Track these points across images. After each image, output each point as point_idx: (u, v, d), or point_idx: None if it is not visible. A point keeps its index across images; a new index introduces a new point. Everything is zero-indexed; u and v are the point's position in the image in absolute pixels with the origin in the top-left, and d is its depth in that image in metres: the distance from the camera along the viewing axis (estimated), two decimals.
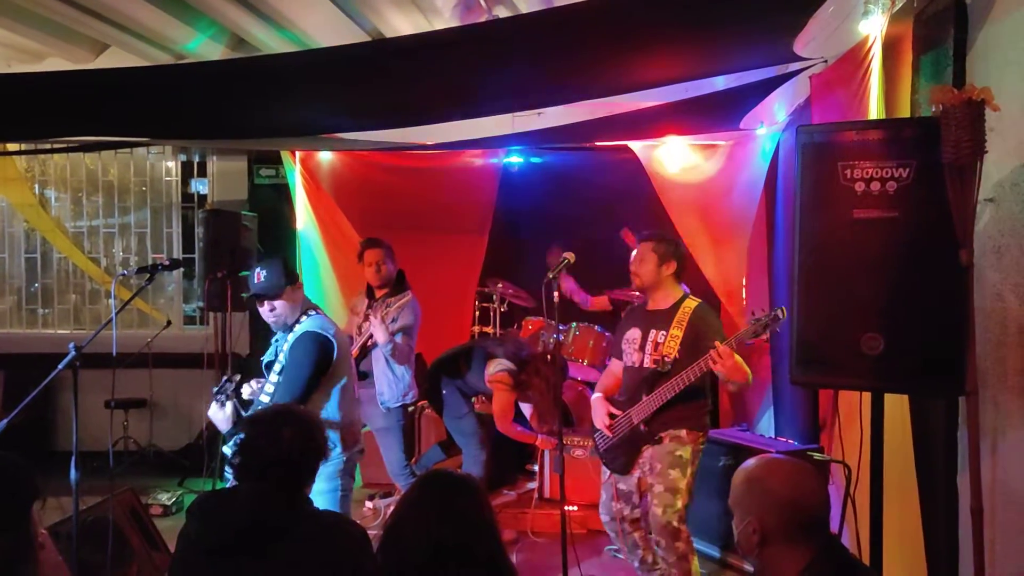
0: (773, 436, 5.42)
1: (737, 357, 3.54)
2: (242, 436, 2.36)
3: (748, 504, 1.99)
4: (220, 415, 3.47)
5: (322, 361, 3.53)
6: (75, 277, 7.97)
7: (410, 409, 5.37)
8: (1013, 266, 2.78)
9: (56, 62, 6.22)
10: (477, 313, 6.64)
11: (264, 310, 3.63)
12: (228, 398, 3.46)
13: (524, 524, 5.32)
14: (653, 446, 3.82)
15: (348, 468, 3.64)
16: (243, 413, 3.50)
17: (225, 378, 3.51)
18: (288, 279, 3.59)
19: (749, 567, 4.54)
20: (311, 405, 3.51)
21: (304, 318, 3.62)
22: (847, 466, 3.56)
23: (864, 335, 2.71)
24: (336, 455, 3.56)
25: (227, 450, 3.56)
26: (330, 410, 3.60)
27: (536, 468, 5.82)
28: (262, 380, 3.67)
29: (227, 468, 3.50)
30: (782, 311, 3.41)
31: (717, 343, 3.53)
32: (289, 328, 3.64)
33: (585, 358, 5.96)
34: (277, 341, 3.74)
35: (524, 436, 5.32)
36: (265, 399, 3.58)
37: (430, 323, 5.68)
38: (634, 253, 4.03)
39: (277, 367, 3.60)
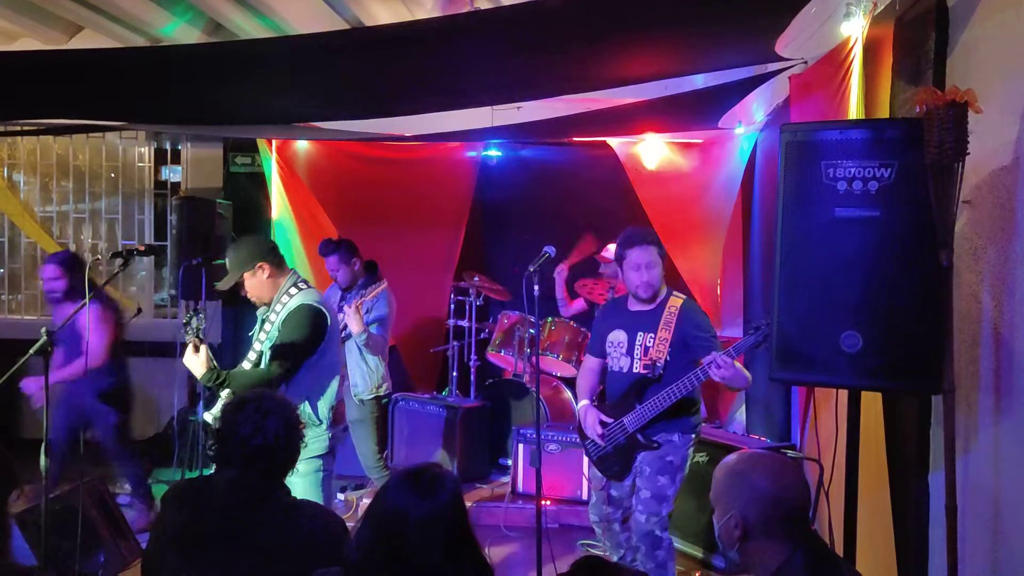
0: (745, 433, 5.47)
1: (737, 364, 3.47)
2: (222, 421, 2.33)
3: (731, 499, 2.00)
4: (195, 360, 3.39)
5: (317, 334, 3.51)
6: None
7: (384, 401, 5.34)
8: (989, 268, 2.82)
9: (29, 42, 6.11)
10: (453, 306, 6.61)
11: (243, 292, 3.64)
12: (201, 340, 3.38)
13: (497, 518, 5.32)
14: (645, 450, 3.76)
15: (332, 446, 3.62)
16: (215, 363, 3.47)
17: (190, 314, 3.44)
18: (249, 264, 3.56)
19: (720, 563, 4.60)
20: (302, 380, 3.49)
21: (294, 291, 3.58)
22: (820, 464, 3.60)
23: (843, 333, 2.73)
24: (322, 431, 3.54)
25: (208, 417, 3.51)
26: (321, 385, 3.57)
27: (509, 463, 5.82)
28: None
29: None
30: None
31: (716, 355, 3.42)
32: (269, 304, 3.61)
33: (560, 353, 5.97)
34: (263, 315, 3.70)
35: None
36: (247, 365, 3.56)
37: (405, 316, 5.67)
38: (636, 258, 3.76)
39: (263, 336, 3.57)
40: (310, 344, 3.49)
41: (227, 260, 3.65)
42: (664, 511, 3.71)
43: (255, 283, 3.59)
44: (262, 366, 3.53)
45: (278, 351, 3.44)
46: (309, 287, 3.65)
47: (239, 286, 3.63)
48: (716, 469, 2.12)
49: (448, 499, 1.93)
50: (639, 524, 3.73)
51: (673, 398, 3.61)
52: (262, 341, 3.57)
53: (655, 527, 3.70)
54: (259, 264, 3.56)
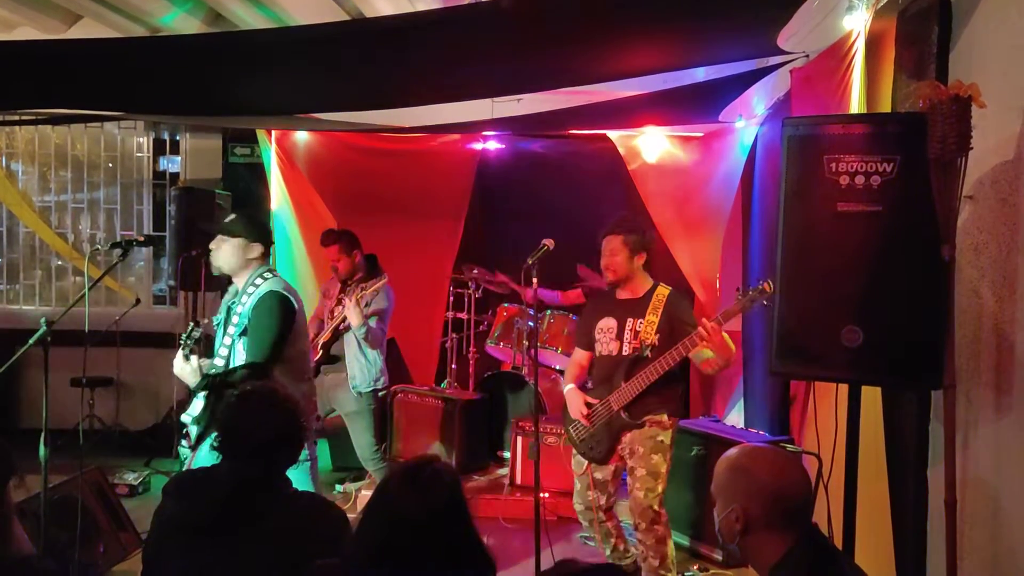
0: (743, 427, 5.47)
1: (724, 334, 3.59)
2: (229, 413, 2.32)
3: (732, 492, 2.00)
4: (187, 368, 3.41)
5: (287, 320, 3.51)
6: (41, 253, 7.82)
7: (381, 394, 5.34)
8: (990, 263, 2.82)
9: (27, 31, 6.07)
10: (451, 299, 6.61)
11: (213, 244, 3.61)
12: (192, 351, 3.40)
13: (496, 510, 5.33)
14: (633, 431, 3.86)
15: (311, 436, 3.63)
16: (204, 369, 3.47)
17: (192, 325, 3.47)
18: (246, 233, 3.57)
19: (718, 556, 4.61)
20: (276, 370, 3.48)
21: (260, 280, 3.57)
22: (819, 458, 3.60)
23: (844, 327, 2.73)
24: None
25: (186, 418, 3.51)
26: (295, 373, 3.57)
27: (507, 455, 5.83)
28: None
29: (183, 442, 3.47)
30: (768, 284, 3.38)
31: (704, 320, 3.58)
32: (240, 286, 3.62)
33: (559, 346, 5.97)
34: (229, 303, 3.70)
35: None
36: (219, 362, 3.54)
37: (404, 308, 5.65)
38: (603, 246, 3.98)
39: (231, 329, 3.56)
40: (282, 331, 3.48)
41: (236, 216, 3.65)
42: (659, 487, 3.83)
43: (235, 254, 3.57)
44: (233, 358, 3.53)
45: (253, 339, 3.44)
46: (275, 276, 3.64)
47: (213, 236, 3.62)
48: (718, 462, 2.12)
49: (448, 494, 1.92)
50: (638, 501, 3.83)
51: (656, 374, 3.72)
52: (231, 335, 3.54)
53: (653, 502, 3.80)
54: (257, 244, 3.58)
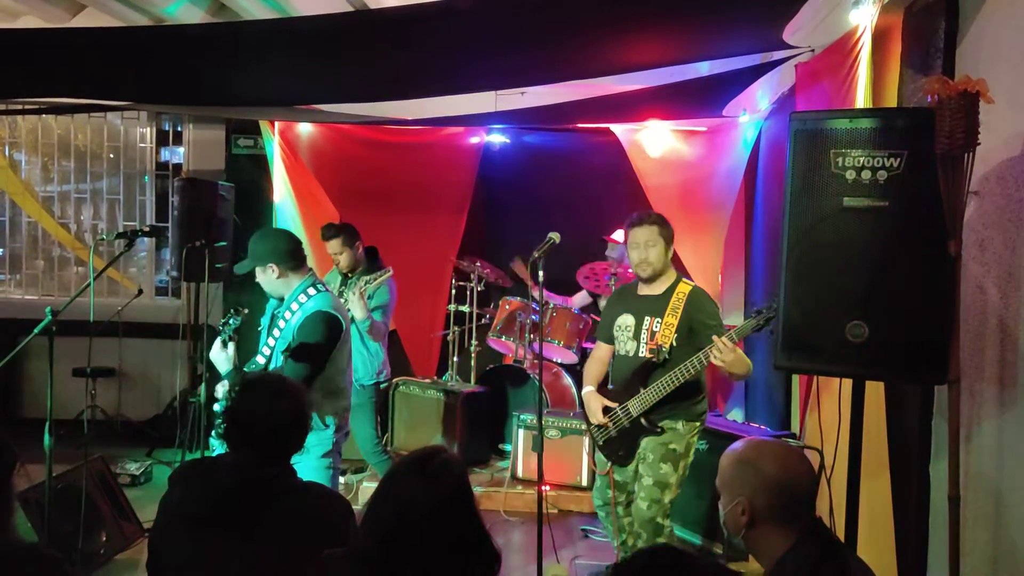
0: (746, 422, 5.49)
1: (738, 350, 3.41)
2: (236, 402, 2.33)
3: (738, 485, 2.00)
4: (222, 355, 3.39)
5: (332, 340, 3.49)
6: (43, 243, 7.82)
7: (383, 386, 5.34)
8: (995, 259, 2.82)
9: (31, 20, 6.05)
10: (454, 291, 6.61)
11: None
12: (231, 339, 3.38)
13: (497, 503, 5.34)
14: (650, 437, 3.74)
15: (337, 448, 3.63)
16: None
17: (232, 311, 3.44)
18: (261, 261, 3.54)
19: (718, 550, 4.61)
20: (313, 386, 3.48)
21: (305, 297, 3.53)
22: (820, 452, 3.61)
23: (849, 322, 2.72)
24: (329, 435, 3.53)
25: (219, 407, 3.50)
26: (330, 389, 3.57)
27: (508, 448, 5.84)
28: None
29: (213, 434, 3.46)
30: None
31: (716, 338, 3.38)
32: (285, 299, 3.59)
33: (561, 340, 5.97)
34: (274, 307, 3.70)
35: None
36: (261, 360, 3.56)
37: (407, 301, 5.66)
38: (636, 237, 3.81)
39: (272, 341, 3.56)
40: (326, 350, 3.47)
41: (249, 245, 3.63)
42: (666, 499, 3.70)
43: (265, 280, 3.59)
44: (273, 364, 3.53)
45: (296, 357, 3.41)
46: (325, 290, 3.59)
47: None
48: (723, 456, 2.12)
49: (456, 484, 1.93)
50: (640, 511, 3.72)
51: (676, 382, 3.58)
52: (276, 337, 3.56)
53: (657, 514, 3.69)
54: (269, 264, 3.54)
